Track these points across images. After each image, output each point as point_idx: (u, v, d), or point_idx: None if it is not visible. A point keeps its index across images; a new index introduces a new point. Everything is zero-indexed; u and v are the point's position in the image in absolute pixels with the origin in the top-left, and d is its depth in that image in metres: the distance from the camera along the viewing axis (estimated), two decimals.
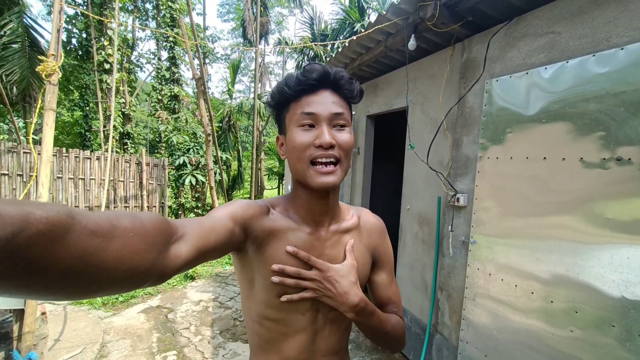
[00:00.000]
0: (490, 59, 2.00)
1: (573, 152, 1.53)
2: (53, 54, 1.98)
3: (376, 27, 2.31)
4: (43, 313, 2.37)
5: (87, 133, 7.83)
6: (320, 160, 0.65)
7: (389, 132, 4.58)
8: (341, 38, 9.37)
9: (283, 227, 0.70)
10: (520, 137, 1.77)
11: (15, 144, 4.88)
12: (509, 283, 1.82)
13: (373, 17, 2.29)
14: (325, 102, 0.66)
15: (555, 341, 1.59)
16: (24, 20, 6.77)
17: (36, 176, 1.95)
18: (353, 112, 0.75)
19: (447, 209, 2.31)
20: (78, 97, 8.49)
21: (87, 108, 7.76)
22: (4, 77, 6.41)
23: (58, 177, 5.32)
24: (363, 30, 2.49)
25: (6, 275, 0.27)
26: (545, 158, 1.65)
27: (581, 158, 1.50)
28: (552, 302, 1.61)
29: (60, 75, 2.05)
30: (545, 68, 1.65)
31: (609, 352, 1.39)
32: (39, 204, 0.29)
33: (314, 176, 0.65)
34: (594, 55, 1.45)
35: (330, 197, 0.73)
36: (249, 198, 10.80)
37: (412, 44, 2.17)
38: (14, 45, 6.68)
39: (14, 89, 6.91)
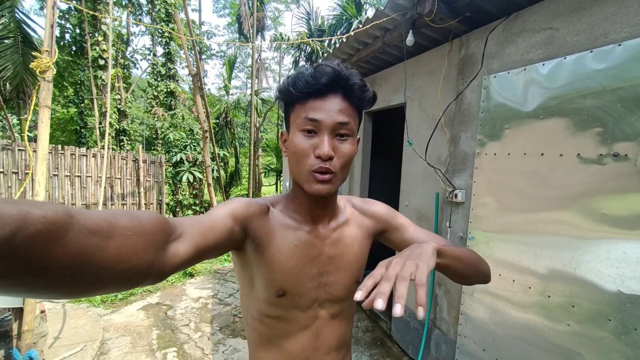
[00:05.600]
0: (488, 55, 1.99)
1: (570, 148, 1.54)
2: (47, 50, 1.95)
3: (374, 23, 2.30)
4: (42, 311, 2.36)
5: (82, 130, 7.74)
6: (318, 170, 0.64)
7: (387, 129, 4.58)
8: (338, 33, 9.31)
9: (282, 226, 0.70)
10: (518, 133, 1.78)
11: (9, 141, 4.81)
12: (507, 278, 1.84)
13: (370, 12, 2.26)
14: (331, 110, 0.63)
15: (552, 335, 1.61)
16: (16, 15, 6.64)
17: (32, 174, 1.93)
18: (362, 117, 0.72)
19: (445, 205, 2.32)
20: (73, 94, 8.36)
21: (82, 105, 7.66)
22: None
23: (54, 175, 5.27)
24: (360, 26, 2.47)
25: (5, 275, 0.27)
26: (542, 154, 1.66)
27: (578, 154, 1.51)
28: (549, 296, 1.63)
29: (54, 72, 2.01)
30: (543, 64, 1.65)
31: (605, 346, 1.41)
32: (38, 203, 0.29)
33: (311, 182, 0.65)
34: (591, 52, 1.46)
35: (329, 198, 0.73)
36: (247, 195, 10.78)
37: (410, 39, 2.16)
38: (6, 41, 6.56)
39: (7, 85, 6.81)
